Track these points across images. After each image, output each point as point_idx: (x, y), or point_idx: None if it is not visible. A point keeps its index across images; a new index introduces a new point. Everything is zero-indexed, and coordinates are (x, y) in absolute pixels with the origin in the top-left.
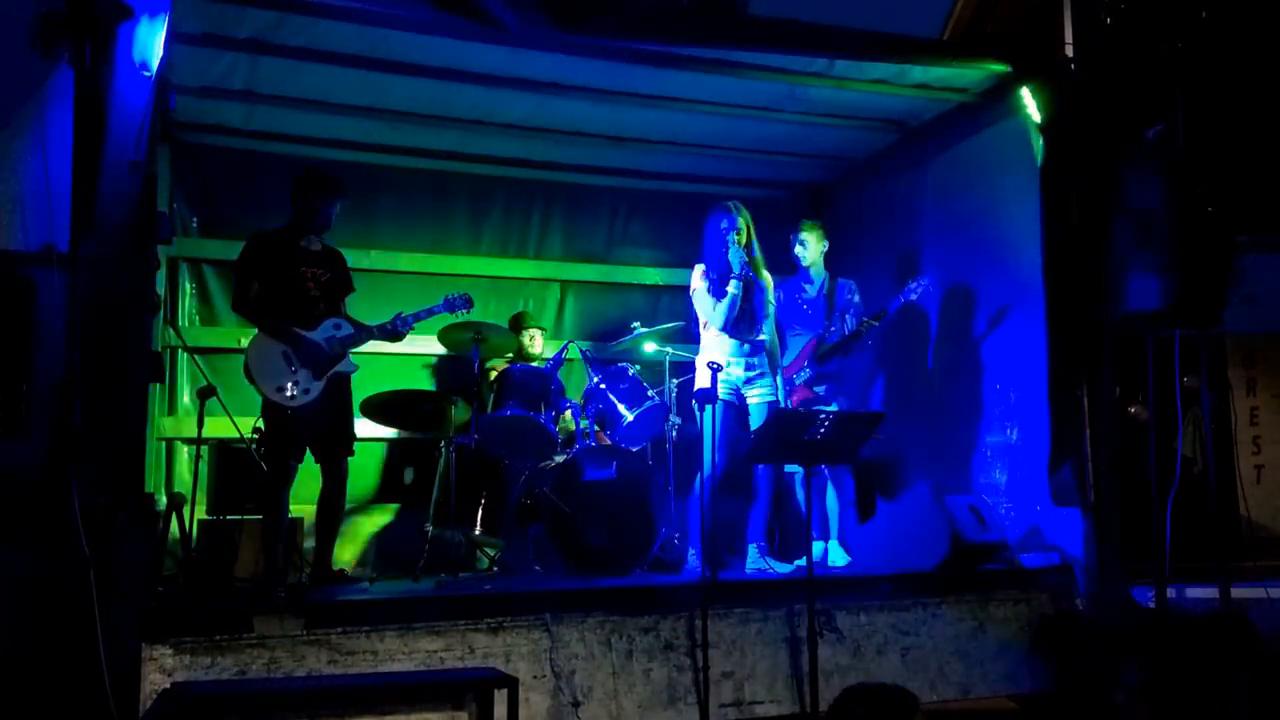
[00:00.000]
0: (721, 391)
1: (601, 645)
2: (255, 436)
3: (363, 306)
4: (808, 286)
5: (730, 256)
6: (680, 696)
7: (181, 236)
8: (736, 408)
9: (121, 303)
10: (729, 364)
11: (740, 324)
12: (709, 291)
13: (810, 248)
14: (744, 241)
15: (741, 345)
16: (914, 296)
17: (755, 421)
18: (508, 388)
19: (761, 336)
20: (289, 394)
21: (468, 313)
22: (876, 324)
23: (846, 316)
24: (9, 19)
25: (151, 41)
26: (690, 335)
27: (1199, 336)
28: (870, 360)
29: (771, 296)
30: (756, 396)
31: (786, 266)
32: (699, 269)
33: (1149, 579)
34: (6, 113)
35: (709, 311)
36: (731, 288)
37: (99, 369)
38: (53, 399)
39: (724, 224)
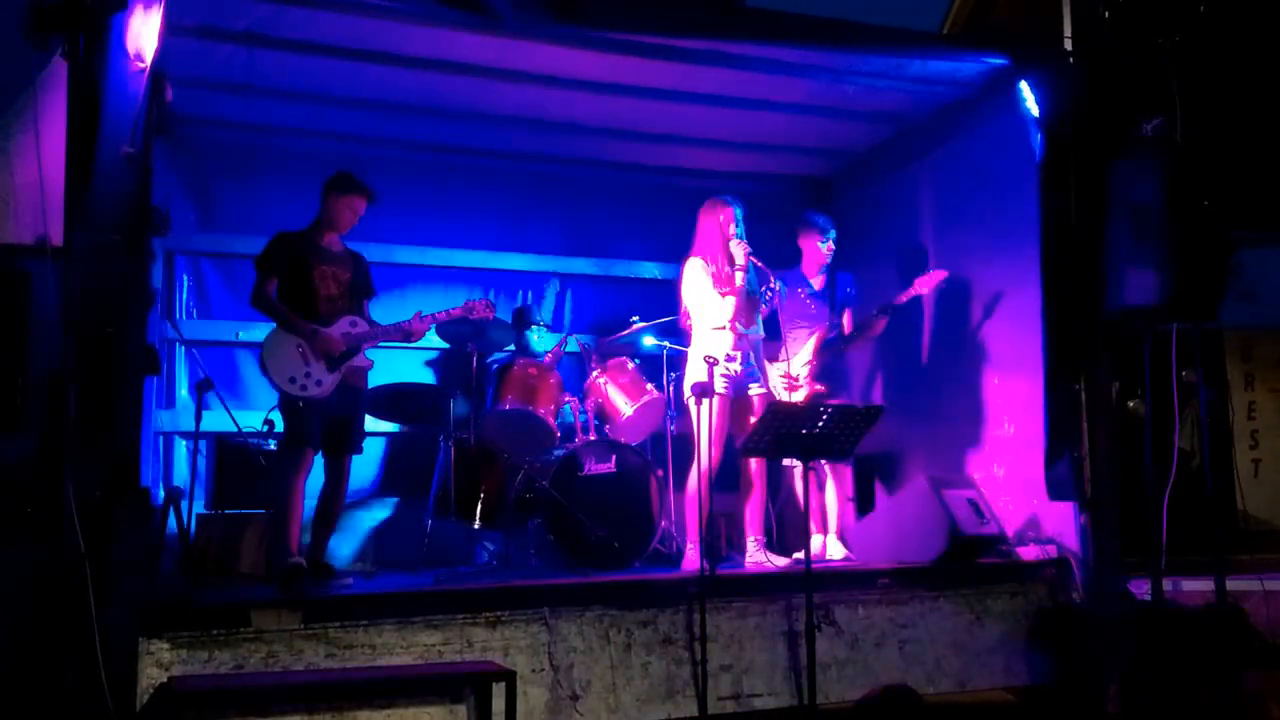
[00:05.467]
0: (719, 385)
1: (600, 639)
2: (266, 429)
3: None
4: (811, 281)
5: (733, 249)
6: (679, 689)
7: (177, 229)
8: (734, 401)
9: (116, 296)
10: (727, 358)
11: (739, 318)
12: (710, 285)
13: (829, 241)
14: (741, 234)
15: (739, 340)
16: (925, 290)
17: (756, 416)
18: (507, 381)
19: (757, 331)
20: (300, 384)
21: (490, 319)
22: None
23: (845, 310)
24: (2, 9)
25: (146, 33)
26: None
27: (1196, 331)
28: (869, 355)
29: (765, 291)
30: (753, 391)
31: (784, 261)
32: (696, 263)
33: (1146, 572)
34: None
35: (712, 306)
36: (738, 280)
37: (94, 362)
38: (47, 392)
39: (722, 216)
